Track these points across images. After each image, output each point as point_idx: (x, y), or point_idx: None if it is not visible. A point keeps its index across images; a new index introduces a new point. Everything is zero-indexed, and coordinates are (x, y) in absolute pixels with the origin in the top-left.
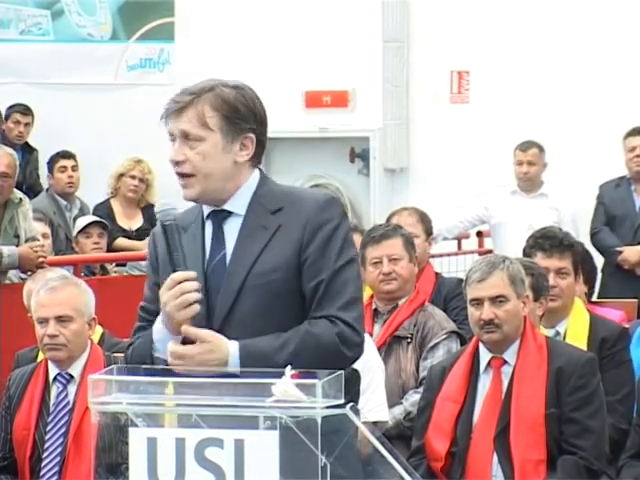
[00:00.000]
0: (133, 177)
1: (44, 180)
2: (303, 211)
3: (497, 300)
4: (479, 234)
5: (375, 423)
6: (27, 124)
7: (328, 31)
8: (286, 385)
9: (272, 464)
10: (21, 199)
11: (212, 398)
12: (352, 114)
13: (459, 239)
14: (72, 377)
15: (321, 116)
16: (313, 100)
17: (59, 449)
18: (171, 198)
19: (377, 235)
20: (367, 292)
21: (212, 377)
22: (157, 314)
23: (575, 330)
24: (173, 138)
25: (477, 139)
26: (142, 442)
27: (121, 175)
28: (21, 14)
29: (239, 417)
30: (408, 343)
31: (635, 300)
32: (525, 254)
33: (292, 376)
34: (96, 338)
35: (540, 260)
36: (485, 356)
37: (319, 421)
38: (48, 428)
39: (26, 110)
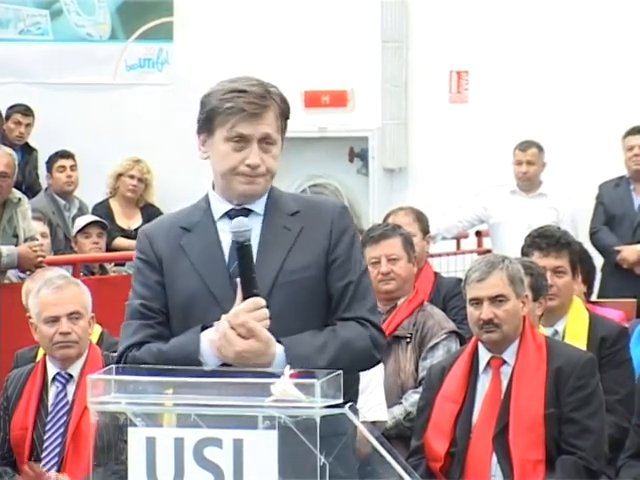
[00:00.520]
0: (132, 177)
1: (43, 180)
2: (326, 215)
3: (496, 300)
4: (478, 234)
5: (374, 423)
6: (28, 125)
7: (327, 31)
8: (285, 385)
9: (271, 464)
10: (20, 199)
11: (211, 398)
12: (351, 114)
13: (458, 239)
14: (71, 376)
15: (320, 116)
16: (312, 100)
17: (58, 449)
18: (169, 196)
19: (376, 235)
20: None
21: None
22: (161, 312)
23: (574, 329)
24: (241, 139)
25: (476, 139)
26: (141, 442)
27: (120, 175)
28: (20, 14)
29: (238, 417)
30: (407, 343)
31: (634, 300)
32: (523, 253)
33: (291, 376)
34: (95, 337)
35: (537, 259)
36: (484, 356)
37: (318, 421)
38: (47, 428)
39: (27, 111)
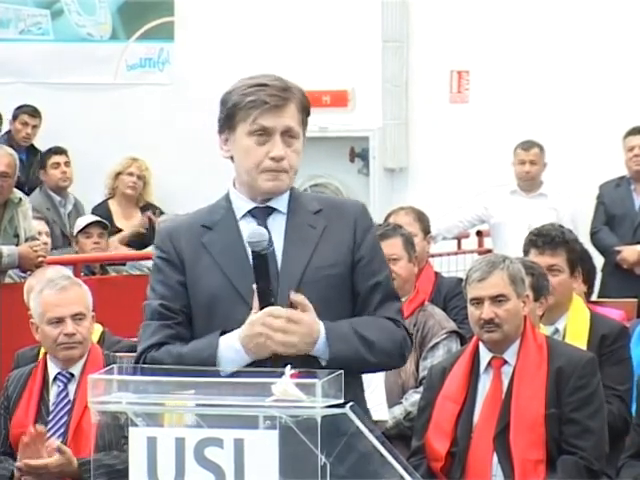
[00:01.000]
0: (131, 174)
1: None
2: (349, 214)
3: (497, 299)
4: (479, 233)
5: (375, 422)
6: (35, 126)
7: (327, 31)
8: (286, 385)
9: (272, 464)
10: (21, 199)
11: (212, 398)
12: (352, 114)
13: (459, 239)
14: (73, 376)
15: (321, 116)
16: (313, 100)
17: None
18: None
19: (376, 235)
20: None
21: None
22: (182, 312)
23: (575, 327)
24: (265, 133)
25: (477, 139)
26: (142, 442)
27: (118, 174)
28: (21, 14)
29: (239, 417)
30: None
31: (635, 300)
32: (524, 252)
33: (292, 376)
34: (95, 337)
35: (533, 257)
36: (485, 356)
37: (319, 421)
38: (48, 427)
39: (34, 112)
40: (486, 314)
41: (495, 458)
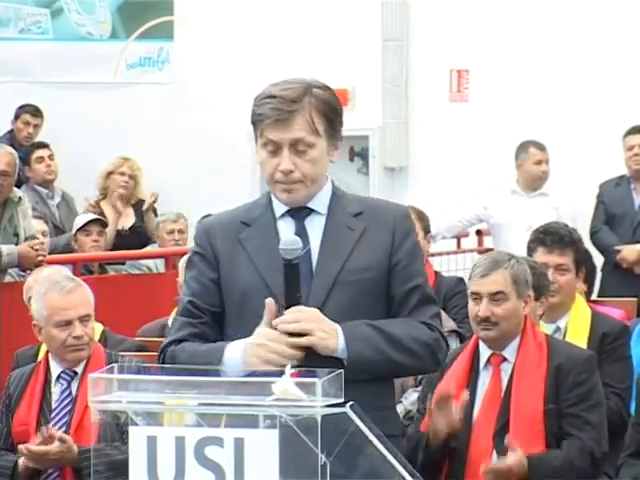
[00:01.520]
0: (122, 174)
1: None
2: (389, 217)
3: (496, 297)
4: (478, 233)
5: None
6: (36, 125)
7: (327, 30)
8: (286, 384)
9: (272, 463)
10: (20, 198)
11: (212, 397)
12: (351, 113)
13: (458, 238)
14: (76, 374)
15: None
16: None
17: None
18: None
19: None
20: None
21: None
22: (209, 312)
23: (576, 325)
24: (273, 146)
25: (477, 138)
26: (142, 441)
27: (110, 173)
28: (20, 13)
29: (239, 416)
30: None
31: (635, 299)
32: (528, 249)
33: (292, 375)
34: (96, 336)
35: (540, 255)
36: (485, 353)
37: (319, 420)
38: (51, 424)
39: (36, 112)
40: (482, 312)
41: (495, 455)
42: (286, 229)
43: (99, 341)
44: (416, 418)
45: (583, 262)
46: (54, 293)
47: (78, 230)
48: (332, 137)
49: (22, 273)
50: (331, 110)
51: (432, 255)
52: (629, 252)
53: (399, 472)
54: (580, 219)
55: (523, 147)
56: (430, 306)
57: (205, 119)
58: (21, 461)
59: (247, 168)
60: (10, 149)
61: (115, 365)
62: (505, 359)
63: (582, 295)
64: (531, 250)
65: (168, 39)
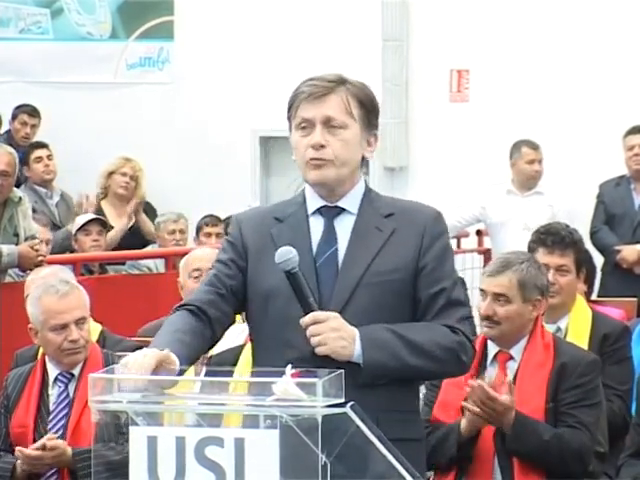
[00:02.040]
0: (124, 174)
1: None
2: (419, 220)
3: (499, 298)
4: (479, 233)
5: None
6: (34, 125)
7: (327, 30)
8: (287, 384)
9: (272, 463)
10: (20, 198)
11: (212, 397)
12: None
13: (458, 238)
14: (73, 376)
15: None
16: None
17: None
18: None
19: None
20: None
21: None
22: (230, 289)
23: (577, 326)
24: (307, 124)
25: (477, 138)
26: (142, 441)
27: (111, 173)
28: (20, 13)
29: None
30: None
31: (634, 299)
32: (529, 250)
33: (292, 375)
34: (95, 336)
35: (541, 256)
36: (492, 349)
37: (319, 420)
38: (49, 426)
39: (33, 112)
40: (485, 310)
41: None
42: (316, 227)
43: (97, 341)
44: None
45: (584, 263)
46: (49, 297)
47: (78, 230)
48: (367, 127)
49: (22, 273)
50: (367, 99)
51: None
52: (629, 252)
53: (400, 473)
54: (580, 219)
55: (516, 146)
56: (457, 309)
57: (205, 119)
58: (19, 463)
59: (247, 168)
60: (10, 149)
61: (114, 366)
62: (511, 357)
63: (582, 295)
64: (532, 251)
65: (168, 39)
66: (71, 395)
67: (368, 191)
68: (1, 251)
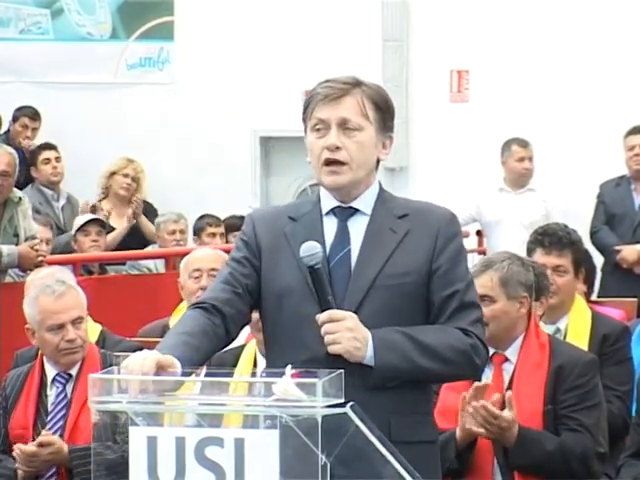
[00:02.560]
0: (126, 175)
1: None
2: (433, 221)
3: (483, 299)
4: (479, 233)
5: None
6: (34, 129)
7: (328, 30)
8: (286, 384)
9: (272, 463)
10: (20, 198)
11: (212, 397)
12: None
13: None
14: (71, 376)
15: None
16: None
17: None
18: (168, 195)
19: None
20: None
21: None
22: (245, 287)
23: (576, 327)
24: (323, 126)
25: (477, 138)
26: (142, 441)
27: (113, 173)
28: (21, 13)
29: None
30: None
31: (635, 299)
32: (527, 250)
33: (292, 375)
34: (94, 336)
35: (539, 256)
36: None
37: (319, 420)
38: (47, 427)
39: (35, 115)
40: None
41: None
42: (330, 228)
43: (97, 341)
44: None
45: (583, 263)
46: (45, 297)
47: (77, 230)
48: (382, 129)
49: (22, 273)
50: (382, 101)
51: None
52: (629, 252)
53: (400, 473)
54: (580, 219)
55: (507, 145)
56: (470, 312)
57: (205, 119)
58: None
59: (247, 168)
60: (10, 149)
61: (114, 368)
62: (507, 359)
63: (582, 296)
64: (530, 251)
65: (168, 39)
66: (69, 395)
67: (382, 192)
68: (1, 251)
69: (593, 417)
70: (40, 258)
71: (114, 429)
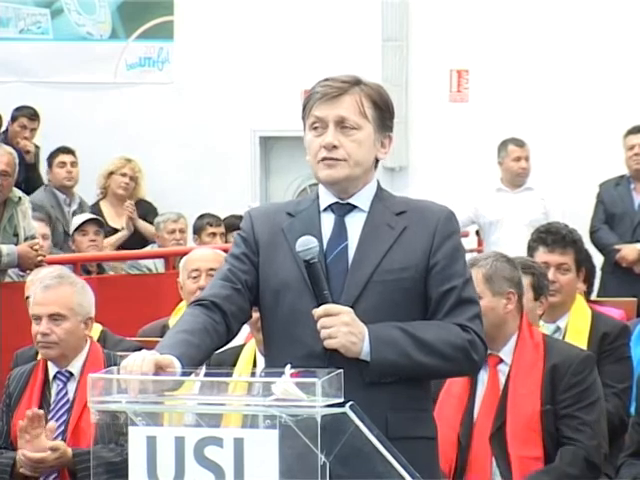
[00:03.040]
0: (124, 175)
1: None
2: (431, 218)
3: None
4: (478, 233)
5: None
6: (33, 129)
7: (327, 30)
8: (286, 384)
9: (272, 463)
10: (20, 197)
11: (212, 397)
12: None
13: None
14: (72, 374)
15: None
16: None
17: None
18: (168, 195)
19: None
20: None
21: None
22: (245, 283)
23: (576, 325)
24: (321, 124)
25: (476, 138)
26: (141, 441)
27: (111, 173)
28: (20, 13)
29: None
30: None
31: (634, 299)
32: (529, 249)
33: (292, 375)
34: (95, 336)
35: (542, 254)
36: None
37: (319, 420)
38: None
39: (33, 115)
40: None
41: (492, 456)
42: (327, 223)
43: (98, 341)
44: None
45: (583, 262)
46: (37, 288)
47: (75, 230)
48: (380, 129)
49: (22, 273)
50: (381, 100)
51: None
52: (629, 251)
53: (400, 473)
54: (579, 218)
55: (503, 144)
56: (468, 307)
57: (205, 119)
58: (19, 459)
59: (247, 168)
60: (10, 149)
61: (115, 368)
62: (502, 360)
63: (582, 295)
64: (532, 249)
65: (168, 39)
66: (70, 394)
67: (380, 190)
68: (1, 251)
69: (594, 413)
70: (40, 258)
71: (117, 429)
